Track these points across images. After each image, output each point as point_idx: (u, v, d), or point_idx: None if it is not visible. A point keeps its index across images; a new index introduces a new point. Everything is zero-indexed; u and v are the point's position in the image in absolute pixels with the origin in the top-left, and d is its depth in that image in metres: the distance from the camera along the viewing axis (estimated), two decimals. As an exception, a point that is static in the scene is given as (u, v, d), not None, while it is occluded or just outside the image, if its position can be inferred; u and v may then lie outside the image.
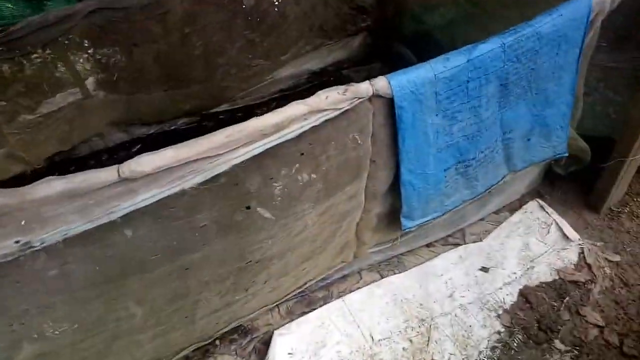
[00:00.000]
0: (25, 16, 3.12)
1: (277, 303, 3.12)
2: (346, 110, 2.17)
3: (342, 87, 2.14)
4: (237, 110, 4.83)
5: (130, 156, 1.77)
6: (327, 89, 2.13)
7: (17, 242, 1.71)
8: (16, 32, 3.14)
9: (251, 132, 1.98)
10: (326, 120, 2.15)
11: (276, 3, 4.51)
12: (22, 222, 1.70)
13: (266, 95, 4.97)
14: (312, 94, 2.09)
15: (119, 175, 1.77)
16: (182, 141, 1.87)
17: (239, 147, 1.98)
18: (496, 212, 3.68)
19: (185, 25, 3.96)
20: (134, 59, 3.92)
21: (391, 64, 4.90)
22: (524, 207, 3.69)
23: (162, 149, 1.86)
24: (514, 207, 3.74)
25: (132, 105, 4.21)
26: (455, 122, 2.48)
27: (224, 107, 4.79)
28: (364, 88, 2.17)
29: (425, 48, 4.42)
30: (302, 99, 2.05)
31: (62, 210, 1.74)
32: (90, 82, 3.97)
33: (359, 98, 2.17)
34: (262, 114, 1.98)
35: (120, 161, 1.75)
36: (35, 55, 3.40)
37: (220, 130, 1.95)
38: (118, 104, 4.15)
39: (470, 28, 3.80)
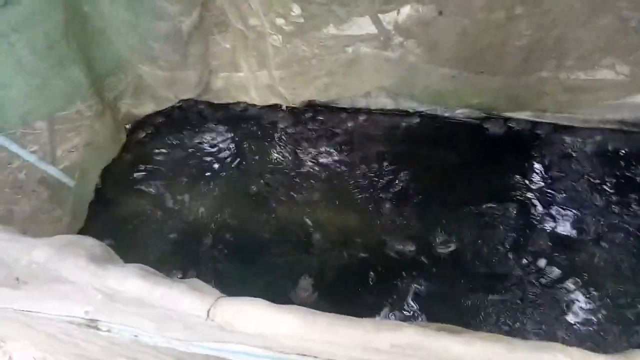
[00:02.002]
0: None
1: None
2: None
3: None
4: (538, 124, 3.50)
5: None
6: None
7: (86, 312, 1.31)
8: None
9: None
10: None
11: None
12: (99, 297, 1.27)
13: (592, 121, 3.41)
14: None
15: (207, 316, 1.13)
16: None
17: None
18: None
19: (521, 3, 2.75)
20: (436, 29, 3.01)
21: None
22: None
23: (282, 309, 1.10)
24: None
25: (412, 75, 3.40)
26: None
27: (524, 114, 3.52)
28: None
29: None
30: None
31: (135, 310, 1.23)
32: (386, 35, 3.32)
33: None
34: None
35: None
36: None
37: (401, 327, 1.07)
38: (397, 67, 3.41)
39: None
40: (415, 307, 2.66)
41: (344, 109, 3.86)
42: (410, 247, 2.91)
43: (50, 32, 2.63)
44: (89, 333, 1.33)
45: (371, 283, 2.77)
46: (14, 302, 1.35)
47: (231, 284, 2.88)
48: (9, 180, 3.33)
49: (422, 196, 3.17)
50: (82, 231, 3.18)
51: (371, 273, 2.82)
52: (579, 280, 2.66)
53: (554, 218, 2.92)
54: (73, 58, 2.88)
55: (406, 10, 3.30)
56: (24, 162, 3.11)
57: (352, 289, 2.78)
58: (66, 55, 2.80)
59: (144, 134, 3.87)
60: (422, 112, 3.72)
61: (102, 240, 3.05)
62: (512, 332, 2.51)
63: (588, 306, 2.52)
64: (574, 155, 3.25)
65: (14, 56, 2.51)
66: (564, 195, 3.02)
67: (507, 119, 3.52)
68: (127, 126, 3.83)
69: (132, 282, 1.18)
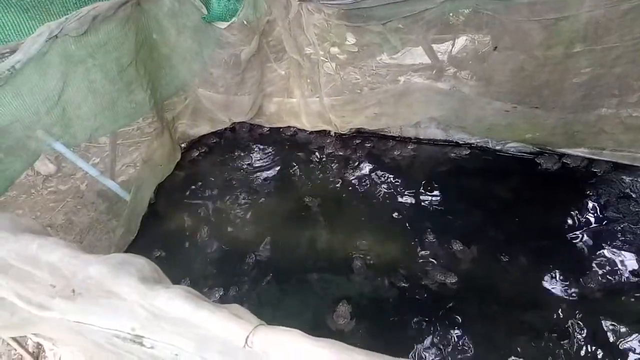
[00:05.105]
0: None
1: None
2: None
3: None
4: (595, 162, 3.36)
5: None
6: None
7: (132, 328, 1.38)
8: (364, 3, 2.75)
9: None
10: None
11: None
12: (145, 315, 1.34)
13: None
14: None
15: (245, 343, 1.16)
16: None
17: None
18: None
19: (581, 40, 2.69)
20: (491, 62, 2.99)
21: None
22: None
23: (318, 342, 1.12)
24: None
25: (464, 107, 3.38)
26: None
27: (580, 151, 3.40)
28: None
29: None
30: None
31: (179, 330, 1.29)
32: (439, 66, 3.34)
33: None
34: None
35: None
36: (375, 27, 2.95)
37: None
38: (449, 99, 3.40)
39: None
40: (454, 341, 2.58)
41: (392, 137, 3.88)
42: (452, 279, 2.84)
43: (122, 58, 2.84)
44: (133, 347, 1.39)
45: (410, 313, 2.72)
46: (68, 312, 1.44)
47: (270, 302, 2.91)
48: (72, 191, 3.57)
49: (468, 229, 3.10)
50: (134, 243, 3.34)
51: (411, 303, 2.77)
52: (627, 325, 2.50)
53: (608, 261, 2.77)
54: (140, 82, 3.08)
55: (461, 42, 3.32)
56: (86, 174, 3.33)
57: (391, 318, 2.74)
58: (134, 79, 3.00)
59: (197, 153, 4.04)
60: (473, 144, 3.67)
61: (153, 252, 3.22)
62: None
63: (636, 354, 2.37)
64: (634, 196, 3.08)
65: (88, 79, 2.73)
66: (621, 237, 2.86)
67: (561, 155, 3.41)
68: (183, 145, 4.01)
69: (176, 303, 1.24)
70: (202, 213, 3.54)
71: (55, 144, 2.69)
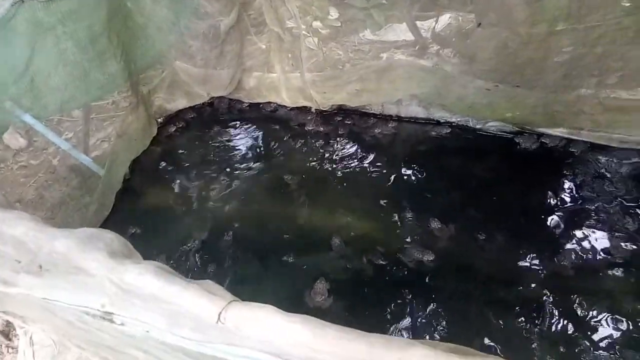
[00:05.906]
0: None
1: None
2: None
3: None
4: (573, 142, 3.39)
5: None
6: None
7: (102, 305, 1.34)
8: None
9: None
10: None
11: None
12: (114, 291, 1.30)
13: (630, 142, 3.27)
14: None
15: (218, 319, 1.14)
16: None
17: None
18: None
19: (565, 17, 2.67)
20: (474, 39, 2.96)
21: None
22: None
23: (292, 318, 1.10)
24: None
25: (445, 85, 3.35)
26: None
27: (559, 131, 3.42)
28: None
29: None
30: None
31: (148, 306, 1.25)
32: (422, 43, 3.30)
33: None
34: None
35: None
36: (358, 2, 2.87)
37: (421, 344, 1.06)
38: (431, 76, 3.36)
39: None
40: (430, 318, 2.61)
41: (373, 115, 3.84)
42: (429, 257, 2.86)
43: (94, 26, 2.71)
44: (104, 324, 1.35)
45: (387, 291, 2.74)
46: (35, 288, 1.39)
47: (248, 279, 2.89)
48: (43, 166, 3.46)
49: (446, 208, 3.11)
50: (108, 219, 3.26)
51: (388, 280, 2.79)
52: (598, 303, 2.56)
53: (582, 240, 2.82)
54: (113, 52, 2.96)
55: (445, 18, 3.28)
56: (59, 149, 3.21)
57: (369, 295, 2.75)
58: (107, 49, 2.88)
59: (174, 128, 3.95)
60: (453, 122, 3.66)
61: (128, 229, 3.16)
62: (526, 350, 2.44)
63: (607, 331, 2.44)
64: (608, 175, 3.13)
65: (58, 48, 2.60)
66: (595, 216, 2.91)
67: (540, 135, 3.42)
68: (159, 120, 3.90)
69: (147, 279, 1.20)
70: (179, 189, 3.47)
71: (24, 115, 2.58)
